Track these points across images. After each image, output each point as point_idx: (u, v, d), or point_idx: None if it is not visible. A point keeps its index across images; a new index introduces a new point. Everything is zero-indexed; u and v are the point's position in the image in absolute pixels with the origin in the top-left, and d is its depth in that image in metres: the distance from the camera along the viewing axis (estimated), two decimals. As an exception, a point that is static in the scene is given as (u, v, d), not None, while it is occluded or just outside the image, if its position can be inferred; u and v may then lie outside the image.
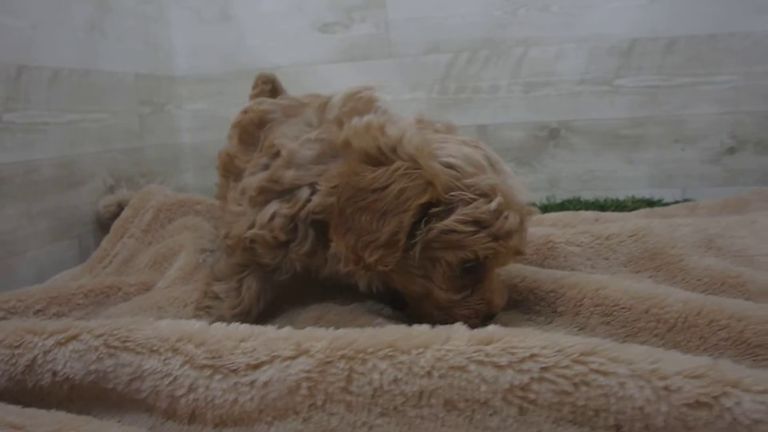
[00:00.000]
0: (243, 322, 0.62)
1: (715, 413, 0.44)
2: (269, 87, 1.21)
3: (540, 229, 1.05)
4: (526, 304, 0.80)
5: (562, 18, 1.42)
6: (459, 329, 0.53)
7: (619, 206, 1.37)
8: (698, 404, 0.44)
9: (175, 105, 1.61)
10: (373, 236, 0.63)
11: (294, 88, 1.55)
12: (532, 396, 0.47)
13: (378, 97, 0.79)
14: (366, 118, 0.71)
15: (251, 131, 0.85)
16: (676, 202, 1.37)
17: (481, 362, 0.49)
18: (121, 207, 1.30)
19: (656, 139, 1.42)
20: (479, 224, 0.63)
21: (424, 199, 0.63)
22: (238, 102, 1.57)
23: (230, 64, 1.59)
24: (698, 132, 1.40)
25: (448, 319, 0.65)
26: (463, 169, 0.64)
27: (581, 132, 1.45)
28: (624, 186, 1.44)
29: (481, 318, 0.68)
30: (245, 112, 0.92)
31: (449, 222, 0.63)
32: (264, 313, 0.80)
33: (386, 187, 0.63)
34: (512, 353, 0.49)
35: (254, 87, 1.21)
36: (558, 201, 1.44)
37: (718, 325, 0.65)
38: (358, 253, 0.64)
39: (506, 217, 0.63)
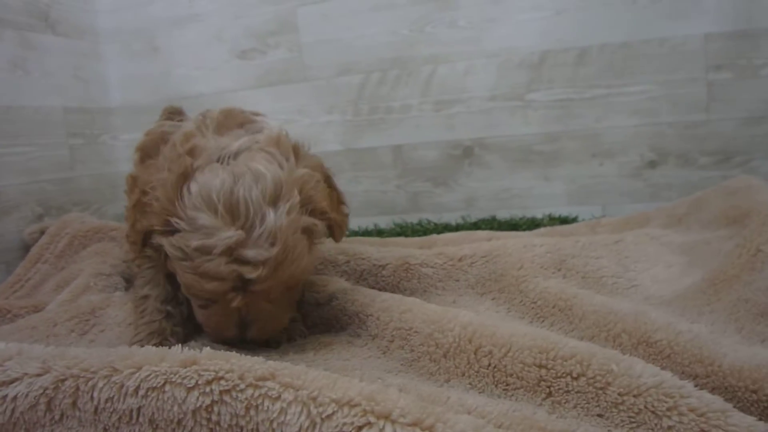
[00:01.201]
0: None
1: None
2: (178, 119, 1.24)
3: (398, 250, 1.04)
4: (351, 327, 0.81)
5: (469, 33, 1.39)
6: (174, 350, 0.55)
7: (534, 225, 1.32)
8: None
9: (111, 136, 1.67)
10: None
11: (217, 114, 1.59)
12: (215, 417, 0.49)
13: (248, 112, 0.86)
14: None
15: (152, 151, 0.89)
16: (594, 219, 1.32)
17: (174, 383, 0.51)
18: (44, 234, 1.37)
19: (572, 154, 1.36)
20: (185, 255, 0.65)
21: (147, 222, 0.69)
22: (167, 130, 1.64)
23: (159, 94, 1.64)
24: (616, 145, 1.34)
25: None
26: (195, 201, 0.65)
27: (495, 149, 1.41)
28: (542, 204, 1.39)
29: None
30: (147, 134, 0.97)
31: (165, 242, 0.66)
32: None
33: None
34: (201, 375, 0.51)
35: (160, 117, 1.24)
36: (472, 220, 1.40)
37: (483, 351, 0.64)
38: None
39: (209, 261, 0.63)
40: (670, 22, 1.27)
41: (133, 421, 0.51)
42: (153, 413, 0.50)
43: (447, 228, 1.37)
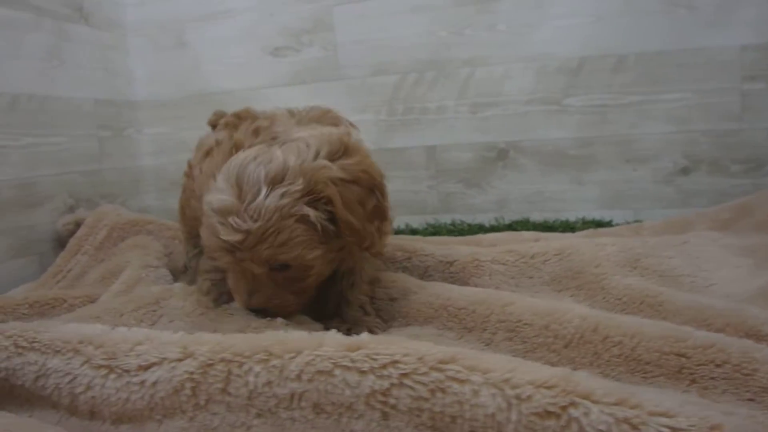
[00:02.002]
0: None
1: (562, 423, 0.44)
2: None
3: (467, 248, 1.05)
4: (440, 320, 0.82)
5: (508, 37, 1.40)
6: (333, 336, 0.55)
7: (568, 228, 1.34)
8: (546, 413, 0.44)
9: (135, 129, 1.65)
10: None
11: (247, 111, 1.58)
12: (392, 401, 0.49)
13: (345, 120, 0.93)
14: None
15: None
16: (627, 224, 1.34)
17: (346, 367, 0.51)
18: (78, 226, 1.36)
19: (606, 159, 1.38)
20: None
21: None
22: (194, 125, 1.61)
23: (186, 90, 1.63)
24: (650, 152, 1.36)
25: None
26: (223, 168, 0.74)
27: (529, 152, 1.42)
28: (574, 207, 1.41)
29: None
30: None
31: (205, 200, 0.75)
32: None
33: None
34: (374, 359, 0.50)
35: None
36: (506, 222, 1.41)
37: (611, 341, 0.65)
38: None
39: (210, 217, 0.72)
40: (707, 32, 1.30)
41: (294, 405, 0.51)
42: (318, 397, 0.50)
43: (481, 229, 1.38)
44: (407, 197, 1.50)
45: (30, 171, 1.31)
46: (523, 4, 1.39)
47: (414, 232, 1.42)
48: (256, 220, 0.69)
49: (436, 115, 1.46)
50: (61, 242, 1.37)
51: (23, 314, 0.97)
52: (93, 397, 0.57)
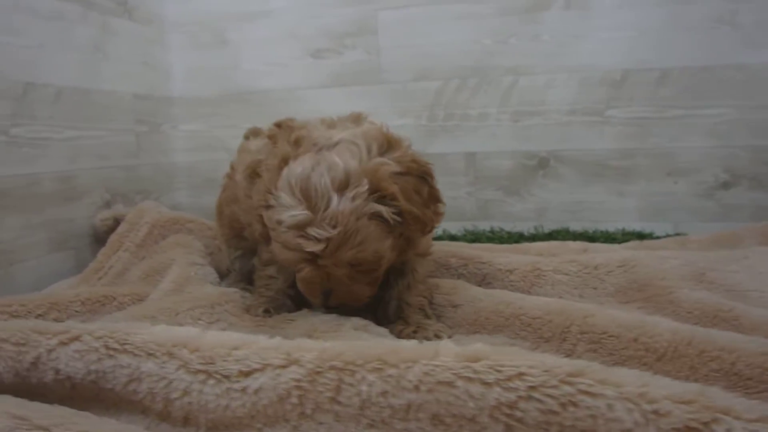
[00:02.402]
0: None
1: (705, 439, 0.43)
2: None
3: (527, 257, 1.05)
4: (511, 329, 0.81)
5: (552, 47, 1.41)
6: (447, 345, 0.54)
7: (609, 238, 1.34)
8: (688, 429, 0.43)
9: (171, 125, 1.65)
10: None
11: (285, 111, 1.57)
12: (518, 414, 0.47)
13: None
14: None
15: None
16: (667, 236, 1.35)
17: (468, 378, 0.49)
18: (117, 221, 1.35)
19: (647, 171, 1.39)
20: (272, 226, 0.76)
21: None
22: (230, 123, 1.62)
23: (224, 87, 1.62)
24: (691, 165, 1.37)
25: None
26: (282, 183, 0.76)
27: (570, 162, 1.43)
28: (613, 218, 1.41)
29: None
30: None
31: (265, 215, 0.78)
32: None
33: None
34: (499, 371, 0.49)
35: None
36: (546, 231, 1.42)
37: (708, 356, 0.65)
38: None
39: (284, 233, 0.74)
40: (750, 49, 1.32)
41: (410, 416, 0.49)
42: (438, 409, 0.48)
43: (522, 237, 1.38)
44: (445, 203, 1.50)
45: (71, 164, 1.30)
46: (568, 15, 1.40)
47: (453, 238, 1.42)
48: (334, 227, 0.71)
49: (477, 122, 1.47)
50: (97, 237, 1.36)
51: (76, 311, 0.96)
52: (189, 403, 0.56)
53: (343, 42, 1.53)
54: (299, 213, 0.72)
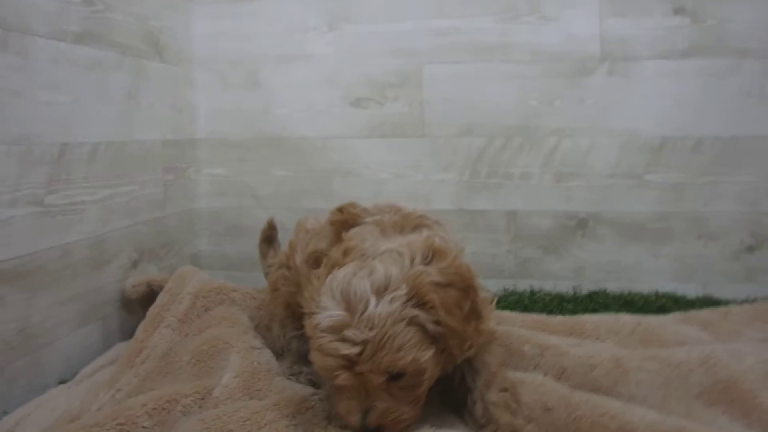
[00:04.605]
0: None
1: None
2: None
3: (605, 347, 1.04)
4: None
5: (596, 112, 1.44)
6: None
7: (645, 301, 1.39)
8: None
9: (195, 169, 1.55)
10: None
11: (320, 159, 1.54)
12: None
13: (425, 217, 0.91)
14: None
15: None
16: (697, 297, 1.41)
17: None
18: (150, 287, 1.25)
19: (680, 234, 1.45)
20: (312, 333, 0.76)
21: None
22: (259, 169, 1.56)
23: (254, 131, 1.55)
24: (720, 229, 1.44)
25: None
26: (325, 289, 0.76)
27: (609, 224, 1.47)
28: (647, 278, 1.47)
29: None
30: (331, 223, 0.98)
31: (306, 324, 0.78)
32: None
33: None
34: None
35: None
36: (585, 293, 1.45)
37: None
38: None
39: (321, 337, 0.73)
40: (778, 121, 1.40)
41: None
42: None
43: (562, 299, 1.41)
44: (484, 260, 1.51)
45: (103, 227, 1.20)
46: (611, 81, 1.43)
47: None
48: (371, 329, 0.71)
49: (519, 180, 1.48)
50: (125, 304, 1.26)
51: (144, 427, 0.85)
52: None
53: (385, 93, 1.50)
54: (336, 314, 0.72)
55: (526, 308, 1.35)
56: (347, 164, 1.53)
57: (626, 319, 1.22)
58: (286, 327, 1.06)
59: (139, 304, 1.26)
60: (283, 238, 1.34)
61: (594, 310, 1.33)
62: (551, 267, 1.50)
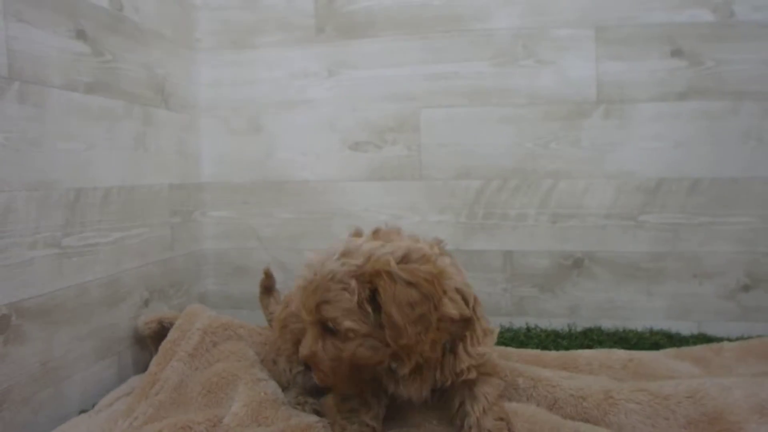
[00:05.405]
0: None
1: None
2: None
3: (597, 380, 1.08)
4: None
5: (592, 154, 1.47)
6: None
7: (639, 338, 1.41)
8: None
9: (201, 212, 1.61)
10: None
11: (321, 202, 1.58)
12: None
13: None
14: None
15: None
16: (692, 335, 1.44)
17: None
18: (161, 324, 1.32)
19: (675, 273, 1.47)
20: None
21: None
22: (263, 212, 1.61)
23: (256, 175, 1.60)
24: (716, 269, 1.46)
25: None
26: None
27: (604, 263, 1.49)
28: (641, 316, 1.49)
29: None
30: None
31: None
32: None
33: None
34: None
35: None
36: (579, 329, 1.48)
37: None
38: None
39: None
40: (775, 164, 1.41)
41: None
42: None
43: (557, 335, 1.44)
44: (481, 298, 1.49)
45: (116, 267, 1.27)
46: (607, 124, 1.45)
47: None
48: (316, 274, 0.84)
49: (516, 221, 1.51)
50: (138, 340, 1.33)
51: None
52: None
53: (383, 136, 1.53)
54: (314, 257, 0.87)
55: (521, 344, 1.39)
56: (347, 206, 1.57)
57: (619, 354, 1.25)
58: (293, 362, 1.11)
59: (151, 339, 1.33)
60: (287, 279, 1.40)
61: (588, 346, 1.36)
62: (547, 305, 1.53)
